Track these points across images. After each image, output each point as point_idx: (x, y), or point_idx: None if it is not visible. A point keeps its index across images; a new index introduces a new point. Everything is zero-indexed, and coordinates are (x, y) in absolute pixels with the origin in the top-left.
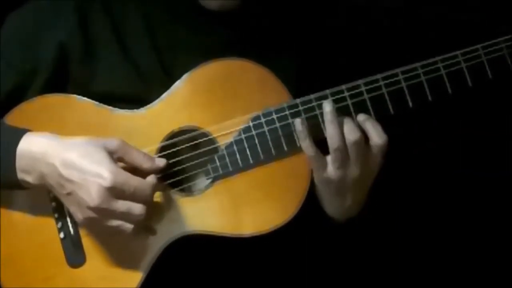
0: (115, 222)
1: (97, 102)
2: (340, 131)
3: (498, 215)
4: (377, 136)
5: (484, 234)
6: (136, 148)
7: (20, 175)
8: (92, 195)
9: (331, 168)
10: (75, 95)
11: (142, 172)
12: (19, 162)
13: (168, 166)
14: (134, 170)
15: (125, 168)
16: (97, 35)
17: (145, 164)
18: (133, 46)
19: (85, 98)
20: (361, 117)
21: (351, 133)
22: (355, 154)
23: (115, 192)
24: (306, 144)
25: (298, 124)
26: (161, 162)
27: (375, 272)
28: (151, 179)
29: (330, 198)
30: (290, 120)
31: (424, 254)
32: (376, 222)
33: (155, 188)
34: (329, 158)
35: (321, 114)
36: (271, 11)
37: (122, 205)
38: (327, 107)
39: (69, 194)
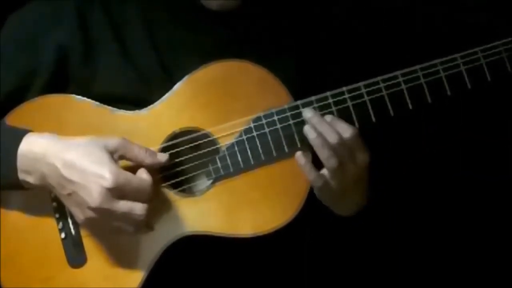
0: (116, 223)
1: (97, 103)
2: (323, 141)
3: (498, 218)
4: (345, 131)
5: (484, 237)
6: (137, 144)
7: (21, 176)
8: (93, 195)
9: (328, 180)
10: (75, 96)
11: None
12: (20, 163)
13: (169, 167)
14: (136, 169)
15: (127, 167)
16: (97, 36)
17: (147, 160)
18: (133, 46)
19: (85, 99)
20: (328, 119)
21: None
22: (345, 156)
23: (116, 192)
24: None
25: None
26: (163, 157)
27: (375, 273)
28: (145, 175)
29: (335, 203)
30: (291, 122)
31: (424, 256)
32: (377, 224)
33: (150, 183)
34: (324, 172)
35: (322, 115)
36: (271, 12)
37: (123, 205)
38: (308, 113)
39: (70, 194)
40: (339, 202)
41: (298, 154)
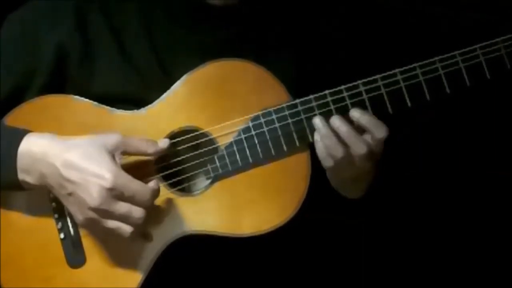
0: (114, 224)
1: (96, 103)
2: (336, 140)
3: (499, 215)
4: (378, 132)
5: (487, 233)
6: (136, 137)
7: (21, 176)
8: (92, 195)
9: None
10: (74, 96)
11: (145, 169)
12: (20, 163)
13: (169, 166)
14: (136, 168)
15: (130, 168)
16: (95, 36)
17: (150, 150)
18: (131, 46)
19: (83, 99)
20: (356, 114)
21: (357, 146)
22: (362, 157)
23: (115, 193)
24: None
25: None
26: (164, 143)
27: (375, 272)
28: (153, 184)
29: (347, 188)
30: (289, 120)
31: (427, 254)
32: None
33: (155, 194)
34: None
35: (320, 114)
36: (270, 10)
37: (122, 206)
38: (318, 122)
39: (69, 194)
40: (347, 187)
41: (316, 132)
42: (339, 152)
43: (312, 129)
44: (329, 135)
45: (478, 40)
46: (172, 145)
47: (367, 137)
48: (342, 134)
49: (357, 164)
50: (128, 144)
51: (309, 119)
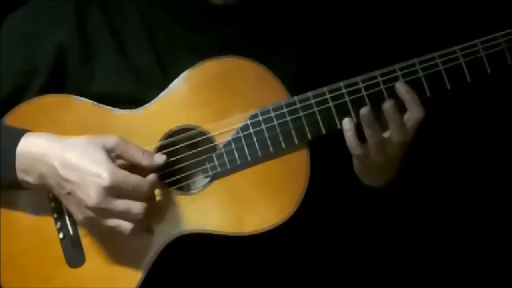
0: (114, 222)
1: (95, 102)
2: (373, 130)
3: (501, 213)
4: (418, 112)
5: (487, 232)
6: (135, 145)
7: (20, 175)
8: (91, 194)
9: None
10: (73, 95)
11: (142, 170)
12: (19, 162)
13: (167, 165)
14: (133, 168)
15: (124, 166)
16: (95, 36)
17: (145, 161)
18: (131, 46)
19: (83, 98)
20: (402, 89)
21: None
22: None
23: (113, 191)
24: (354, 144)
25: (346, 123)
26: (160, 159)
27: (375, 272)
28: (151, 177)
29: (373, 176)
30: (288, 118)
31: (427, 253)
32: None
33: (153, 186)
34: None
35: (319, 111)
36: (271, 9)
37: (120, 204)
38: (347, 124)
39: (68, 194)
40: (374, 174)
41: (346, 120)
42: (378, 133)
43: (311, 126)
44: (371, 116)
45: (479, 35)
46: (170, 144)
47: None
48: (390, 112)
49: (389, 151)
50: (125, 149)
51: (308, 116)
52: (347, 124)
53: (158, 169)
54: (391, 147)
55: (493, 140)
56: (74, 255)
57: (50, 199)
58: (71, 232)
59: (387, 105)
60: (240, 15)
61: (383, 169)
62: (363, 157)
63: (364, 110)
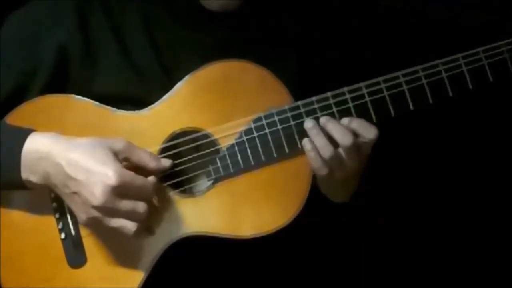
0: (119, 222)
1: (97, 102)
2: (327, 141)
3: (501, 215)
4: (368, 133)
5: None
6: (141, 148)
7: (24, 175)
8: (96, 194)
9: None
10: (75, 96)
11: (144, 172)
12: (24, 162)
13: (170, 167)
14: (136, 170)
15: (128, 167)
16: (97, 37)
17: (151, 164)
18: (132, 46)
19: (85, 98)
20: (345, 121)
21: (343, 138)
22: (350, 154)
23: (119, 191)
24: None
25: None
26: (166, 162)
27: (375, 273)
28: (152, 178)
29: (334, 191)
30: (291, 122)
31: (427, 254)
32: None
33: (156, 187)
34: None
35: (323, 116)
36: (272, 12)
37: (126, 204)
38: (309, 123)
39: (73, 193)
40: (336, 191)
41: (305, 140)
42: (329, 151)
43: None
44: (319, 134)
45: (480, 41)
46: (174, 146)
47: (358, 139)
48: (329, 129)
49: (347, 164)
50: (132, 151)
51: None
52: (307, 145)
53: (164, 171)
54: (349, 160)
55: (493, 142)
56: (75, 256)
57: (52, 199)
58: (73, 232)
59: (309, 124)
60: (240, 16)
61: (345, 185)
62: (328, 176)
63: (309, 123)
